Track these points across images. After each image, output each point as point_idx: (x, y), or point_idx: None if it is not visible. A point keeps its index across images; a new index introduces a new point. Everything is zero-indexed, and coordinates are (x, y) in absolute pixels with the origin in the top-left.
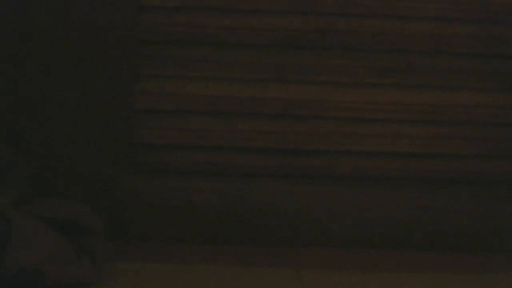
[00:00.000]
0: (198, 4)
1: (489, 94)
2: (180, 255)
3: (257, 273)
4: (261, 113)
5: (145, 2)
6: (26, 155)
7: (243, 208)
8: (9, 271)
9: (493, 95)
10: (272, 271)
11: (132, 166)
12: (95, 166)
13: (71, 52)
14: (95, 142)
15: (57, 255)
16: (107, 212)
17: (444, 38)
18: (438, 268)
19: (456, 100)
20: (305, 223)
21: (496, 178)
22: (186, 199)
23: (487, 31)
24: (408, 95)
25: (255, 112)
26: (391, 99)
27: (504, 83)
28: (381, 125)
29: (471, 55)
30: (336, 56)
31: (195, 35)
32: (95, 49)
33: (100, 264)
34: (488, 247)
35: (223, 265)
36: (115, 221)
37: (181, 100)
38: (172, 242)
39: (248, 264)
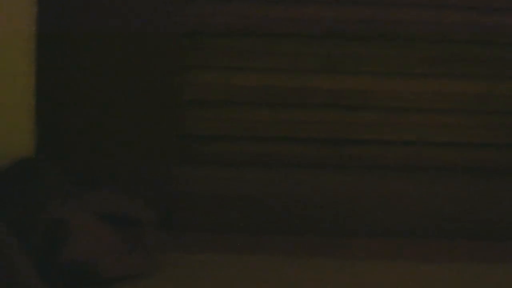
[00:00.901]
0: None
1: None
2: (230, 246)
3: (304, 264)
4: (309, 103)
5: None
6: (73, 147)
7: (291, 198)
8: (62, 265)
9: None
10: (318, 262)
11: (181, 158)
12: (145, 158)
13: (118, 44)
14: (144, 134)
15: (109, 247)
16: (157, 203)
17: (490, 28)
18: (488, 258)
19: (503, 90)
20: (353, 213)
21: None
22: (234, 190)
23: None
24: (455, 85)
25: (303, 103)
26: (439, 89)
27: None
28: (428, 115)
29: None
30: (384, 46)
31: (243, 25)
32: (143, 40)
33: (153, 255)
34: None
35: (272, 255)
36: (165, 212)
37: (229, 90)
38: (222, 233)
39: (295, 255)
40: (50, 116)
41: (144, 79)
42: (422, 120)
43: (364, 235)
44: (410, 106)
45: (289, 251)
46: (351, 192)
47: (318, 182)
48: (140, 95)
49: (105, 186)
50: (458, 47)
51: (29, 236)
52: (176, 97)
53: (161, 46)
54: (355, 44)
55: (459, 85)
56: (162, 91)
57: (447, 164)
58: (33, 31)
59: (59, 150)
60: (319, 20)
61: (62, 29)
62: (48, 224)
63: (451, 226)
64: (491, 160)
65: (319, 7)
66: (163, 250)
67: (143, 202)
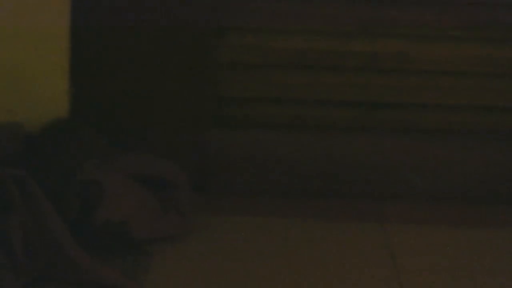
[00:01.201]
0: None
1: None
2: (265, 208)
3: (341, 227)
4: (345, 66)
5: None
6: (108, 109)
7: (327, 161)
8: (96, 225)
9: None
10: (356, 225)
11: (217, 120)
12: (180, 121)
13: (156, 7)
14: (179, 97)
15: (143, 209)
16: (192, 166)
17: None
18: None
19: None
20: (389, 176)
21: None
22: (270, 152)
23: None
24: (492, 49)
25: (339, 65)
26: (475, 53)
27: None
28: (465, 79)
29: None
30: (420, 10)
31: None
32: (180, 3)
33: (186, 218)
34: None
35: (307, 218)
36: (200, 175)
37: (265, 53)
38: (256, 195)
39: (332, 218)
40: (85, 79)
41: (179, 42)
42: (457, 83)
43: (397, 199)
44: (445, 69)
45: (322, 214)
46: (385, 156)
47: (352, 146)
48: (175, 58)
49: (139, 149)
50: (495, 11)
51: (64, 196)
52: (211, 60)
53: (197, 9)
54: (390, 7)
55: (494, 50)
56: (197, 54)
57: (484, 127)
58: None
59: (94, 113)
60: None
61: None
62: (83, 185)
63: (490, 192)
64: None
65: None
66: (197, 212)
67: (178, 165)
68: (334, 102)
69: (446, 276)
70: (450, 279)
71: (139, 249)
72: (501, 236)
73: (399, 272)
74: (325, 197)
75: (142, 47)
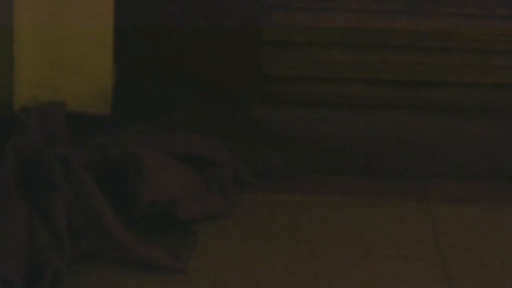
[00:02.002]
0: None
1: None
2: (307, 186)
3: (384, 205)
4: (389, 44)
5: None
6: (151, 87)
7: (370, 139)
8: (141, 205)
9: None
10: (399, 203)
11: (261, 97)
12: (224, 99)
13: None
14: (223, 75)
15: (187, 188)
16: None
17: None
18: None
19: None
20: (433, 155)
21: None
22: (313, 130)
23: None
24: None
25: (383, 44)
26: None
27: None
28: (510, 57)
29: None
30: None
31: None
32: None
33: (230, 196)
34: None
35: (349, 196)
36: None
37: (309, 31)
38: (299, 173)
39: (375, 196)
40: (128, 56)
41: (225, 20)
42: (503, 62)
43: (440, 177)
44: (490, 48)
45: (365, 192)
46: (429, 134)
47: (396, 124)
48: (221, 35)
49: (182, 128)
50: None
51: (102, 170)
52: (256, 38)
53: None
54: None
55: None
56: (243, 31)
57: None
58: None
59: (136, 90)
60: None
61: None
62: (119, 159)
63: None
64: None
65: None
66: (239, 191)
67: (222, 143)
68: (378, 80)
69: (490, 254)
70: (493, 257)
71: (184, 229)
72: None
73: (441, 250)
74: (367, 175)
75: (187, 25)
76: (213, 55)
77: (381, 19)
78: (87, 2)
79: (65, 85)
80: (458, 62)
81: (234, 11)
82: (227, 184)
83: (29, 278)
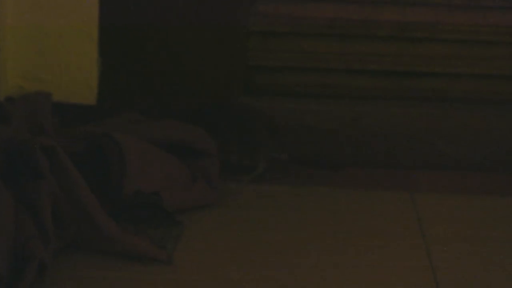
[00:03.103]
0: None
1: None
2: (295, 177)
3: (369, 196)
4: (375, 35)
5: None
6: (137, 76)
7: (356, 130)
8: (125, 196)
9: None
10: (385, 194)
11: (246, 88)
12: (209, 88)
13: None
14: (208, 65)
15: (173, 178)
16: None
17: None
18: None
19: None
20: (419, 146)
21: None
22: (299, 121)
23: None
24: None
25: (369, 34)
26: (506, 22)
27: None
28: (496, 48)
29: None
30: None
31: None
32: None
33: (217, 186)
34: None
35: (336, 187)
36: None
37: (295, 22)
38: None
39: (361, 187)
40: (113, 46)
41: (211, 10)
42: (488, 53)
43: (426, 168)
44: (476, 38)
45: (351, 183)
46: (415, 125)
47: (383, 115)
48: (206, 25)
49: (168, 117)
50: None
51: (86, 160)
52: (242, 28)
53: None
54: None
55: None
56: (229, 22)
57: None
58: None
59: (122, 80)
60: None
61: None
62: (103, 147)
63: None
64: None
65: None
66: (226, 181)
67: (207, 133)
68: (363, 71)
69: (476, 245)
70: (479, 248)
71: (169, 219)
72: None
73: (427, 241)
74: (353, 166)
75: (173, 15)
76: (198, 45)
77: (368, 10)
78: None
79: (51, 76)
80: (445, 53)
81: (219, 1)
82: (213, 174)
83: (13, 269)
